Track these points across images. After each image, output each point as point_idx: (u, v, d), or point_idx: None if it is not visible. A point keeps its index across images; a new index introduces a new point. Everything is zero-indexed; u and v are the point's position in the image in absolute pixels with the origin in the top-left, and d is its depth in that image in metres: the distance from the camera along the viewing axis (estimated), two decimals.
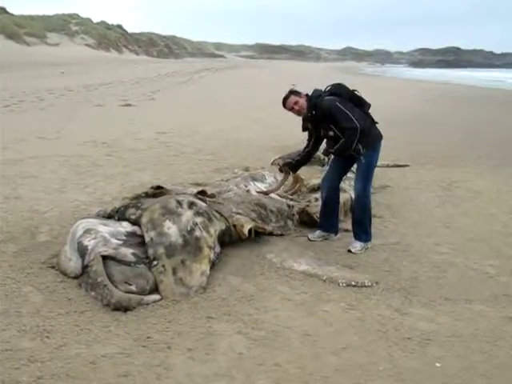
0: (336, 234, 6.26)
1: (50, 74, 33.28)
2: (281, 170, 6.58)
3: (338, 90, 5.87)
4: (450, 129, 16.61)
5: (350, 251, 5.85)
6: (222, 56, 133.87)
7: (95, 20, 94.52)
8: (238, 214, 5.74)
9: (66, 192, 7.70)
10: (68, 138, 12.26)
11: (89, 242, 4.69)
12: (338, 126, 5.68)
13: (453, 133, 15.82)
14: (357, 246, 5.93)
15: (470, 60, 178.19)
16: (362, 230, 6.00)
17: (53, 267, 5.00)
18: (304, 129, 6.13)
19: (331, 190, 6.12)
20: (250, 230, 5.59)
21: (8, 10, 72.17)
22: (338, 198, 6.24)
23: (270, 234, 5.91)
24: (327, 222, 6.21)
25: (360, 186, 5.89)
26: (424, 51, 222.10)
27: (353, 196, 7.03)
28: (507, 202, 8.34)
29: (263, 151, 11.61)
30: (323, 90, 5.93)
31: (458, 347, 4.05)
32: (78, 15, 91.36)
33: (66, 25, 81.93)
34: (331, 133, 5.77)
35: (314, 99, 5.81)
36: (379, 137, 5.95)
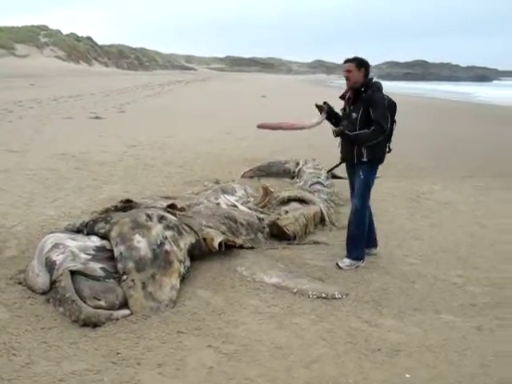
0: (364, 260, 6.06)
1: (18, 86, 32.95)
2: (318, 107, 6.24)
3: (391, 102, 5.95)
4: (418, 141, 16.81)
5: (338, 265, 5.85)
6: (192, 68, 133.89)
7: (65, 32, 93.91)
8: (208, 227, 5.73)
9: (33, 206, 7.60)
10: (36, 150, 12.13)
11: (57, 257, 4.63)
12: (371, 116, 5.74)
13: (421, 145, 16.04)
14: (346, 261, 5.90)
15: (436, 73, 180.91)
16: (355, 247, 5.97)
17: (20, 283, 4.93)
18: (342, 97, 6.16)
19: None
20: (220, 243, 5.58)
21: None
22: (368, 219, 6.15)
23: (241, 246, 5.90)
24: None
25: (358, 203, 5.94)
26: (392, 64, 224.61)
27: (323, 209, 7.09)
28: (474, 213, 8.48)
29: (234, 164, 11.62)
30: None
31: (426, 358, 4.09)
32: (47, 27, 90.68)
33: (34, 36, 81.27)
34: (355, 114, 5.82)
35: (376, 85, 5.92)
36: (382, 159, 6.00)
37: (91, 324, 4.26)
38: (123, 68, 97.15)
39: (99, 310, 4.35)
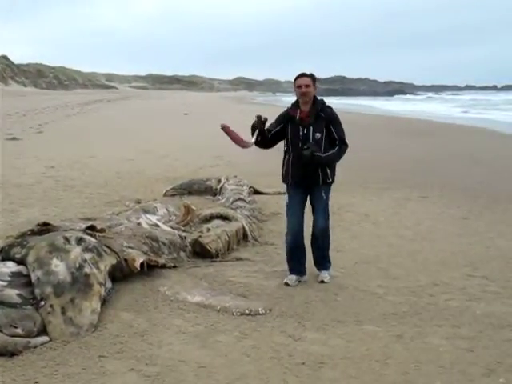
0: (306, 275, 6.08)
1: None
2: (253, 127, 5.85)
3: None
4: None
5: (323, 282, 5.95)
6: (113, 87, 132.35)
7: None
8: (130, 247, 5.65)
9: None
10: None
11: None
12: (333, 134, 5.79)
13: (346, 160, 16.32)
14: (326, 275, 6.04)
15: (356, 88, 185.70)
16: (327, 260, 6.15)
17: None
18: (278, 123, 5.90)
19: (298, 236, 5.98)
20: (142, 264, 5.50)
21: None
22: (303, 240, 6.07)
23: (163, 266, 5.84)
24: (299, 266, 6.01)
25: (325, 223, 6.01)
26: None
27: (245, 225, 7.11)
28: (392, 224, 8.73)
29: (155, 182, 11.53)
30: None
31: (350, 369, 4.15)
32: None
33: None
34: (318, 135, 5.71)
35: (323, 101, 5.87)
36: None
37: (8, 353, 4.11)
38: (42, 87, 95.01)
39: (16, 338, 4.20)
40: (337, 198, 10.39)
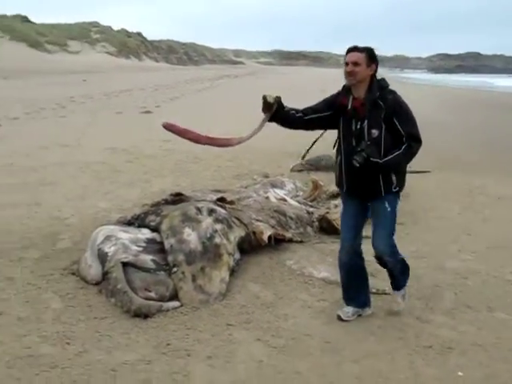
0: (370, 307, 4.68)
1: (71, 82, 33.62)
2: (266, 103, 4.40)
3: None
4: (467, 135, 16.46)
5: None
6: (241, 63, 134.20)
7: (115, 28, 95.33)
8: (258, 220, 5.73)
9: (86, 199, 7.75)
10: (88, 144, 12.36)
11: (109, 249, 4.72)
12: (398, 129, 4.18)
13: (470, 139, 15.69)
14: (398, 300, 4.65)
15: (490, 65, 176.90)
16: (400, 283, 4.65)
17: (73, 274, 5.05)
18: (328, 106, 4.43)
19: (354, 255, 4.61)
20: (269, 237, 5.60)
21: (30, 18, 73.13)
22: (363, 263, 4.67)
23: (290, 240, 5.89)
24: (358, 295, 4.62)
25: (384, 245, 4.43)
26: (443, 56, 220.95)
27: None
28: None
29: (282, 158, 11.58)
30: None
31: (480, 356, 4.00)
32: (98, 23, 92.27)
33: (86, 33, 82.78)
34: (375, 131, 4.16)
35: (384, 84, 4.30)
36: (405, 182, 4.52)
37: (142, 315, 4.33)
38: (173, 63, 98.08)
39: (150, 302, 4.42)
40: (469, 179, 10.06)
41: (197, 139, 4.53)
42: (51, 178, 8.93)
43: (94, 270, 4.80)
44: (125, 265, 4.57)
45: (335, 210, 6.59)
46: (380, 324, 4.42)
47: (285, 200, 6.70)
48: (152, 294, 4.47)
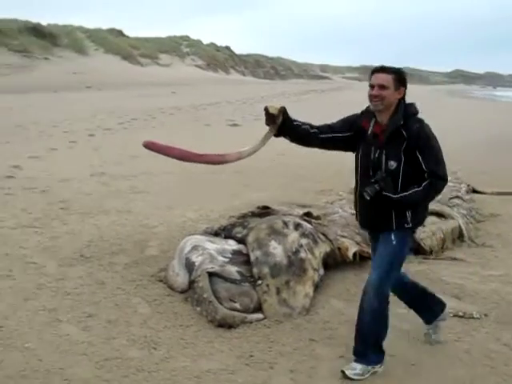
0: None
1: (161, 94, 34.50)
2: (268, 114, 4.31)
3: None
4: None
5: (344, 374, 3.84)
6: (327, 78, 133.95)
7: (205, 42, 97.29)
8: (343, 236, 5.71)
9: (174, 208, 7.92)
10: None
11: (196, 259, 4.82)
12: (418, 163, 3.75)
13: None
14: (356, 368, 3.88)
15: None
16: (369, 345, 3.95)
17: (161, 281, 5.18)
18: (348, 127, 4.07)
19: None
20: (354, 254, 5.57)
21: (124, 32, 75.77)
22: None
23: None
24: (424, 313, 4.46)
25: (378, 277, 3.90)
26: None
27: (462, 224, 6.74)
28: None
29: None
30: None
31: None
32: (188, 37, 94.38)
33: (177, 46, 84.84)
34: (393, 163, 3.76)
35: (412, 110, 3.89)
36: (423, 220, 4.15)
37: (226, 325, 4.40)
38: (259, 77, 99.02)
39: (234, 312, 4.48)
40: None
41: (182, 156, 4.36)
42: (142, 187, 9.20)
43: (180, 279, 4.92)
44: (211, 275, 4.65)
45: (422, 230, 6.44)
46: (467, 349, 4.31)
47: None
48: (237, 305, 4.53)
